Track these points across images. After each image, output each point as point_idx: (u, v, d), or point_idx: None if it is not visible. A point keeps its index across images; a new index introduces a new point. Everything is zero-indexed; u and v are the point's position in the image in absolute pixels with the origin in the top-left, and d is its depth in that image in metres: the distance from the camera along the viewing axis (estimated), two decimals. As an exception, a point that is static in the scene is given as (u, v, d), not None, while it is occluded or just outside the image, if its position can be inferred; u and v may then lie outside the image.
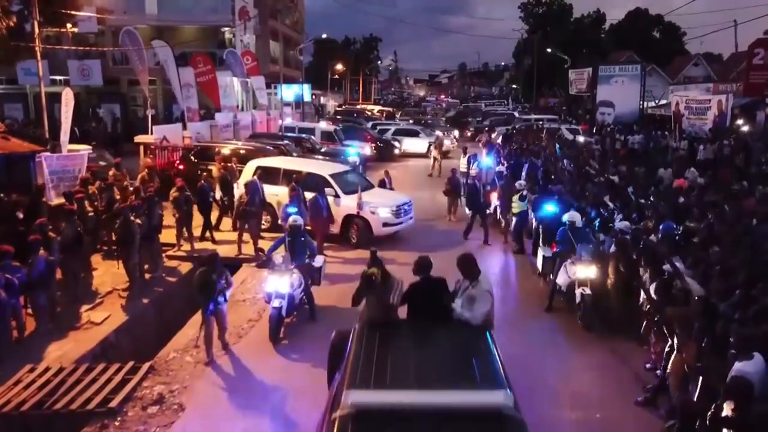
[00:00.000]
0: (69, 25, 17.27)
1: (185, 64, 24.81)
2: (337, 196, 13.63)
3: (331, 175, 14.09)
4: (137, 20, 34.02)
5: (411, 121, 40.28)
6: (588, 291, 9.16)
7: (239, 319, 9.85)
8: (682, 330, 6.09)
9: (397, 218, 13.85)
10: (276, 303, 8.86)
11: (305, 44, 45.55)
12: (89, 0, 20.51)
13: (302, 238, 9.73)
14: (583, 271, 9.22)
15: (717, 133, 21.07)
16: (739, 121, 22.68)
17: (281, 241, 9.78)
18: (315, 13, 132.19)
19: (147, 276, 11.53)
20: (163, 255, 12.44)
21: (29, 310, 9.28)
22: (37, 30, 13.69)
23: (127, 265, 10.84)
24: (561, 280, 9.64)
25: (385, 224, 13.64)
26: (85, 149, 14.50)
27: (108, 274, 11.57)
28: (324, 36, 54.04)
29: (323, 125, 27.77)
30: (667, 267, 7.70)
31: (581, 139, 24.86)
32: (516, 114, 45.38)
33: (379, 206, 13.66)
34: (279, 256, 9.29)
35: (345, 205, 13.60)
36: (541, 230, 11.40)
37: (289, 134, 25.31)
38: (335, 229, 13.45)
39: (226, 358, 8.51)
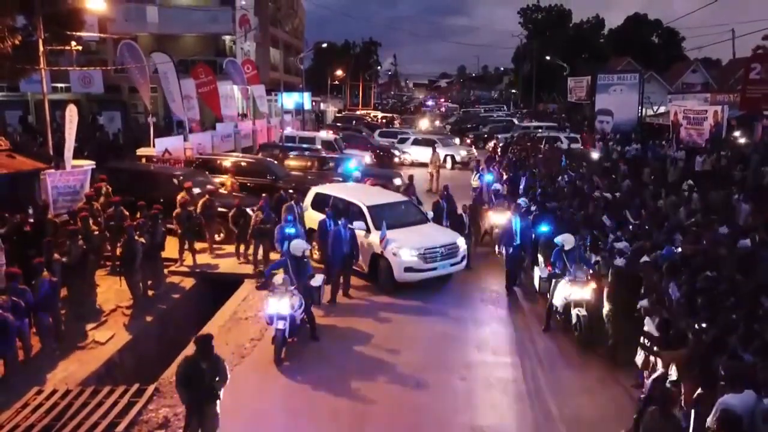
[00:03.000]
0: (73, 43, 17.38)
1: (186, 71, 25.01)
2: (367, 230, 12.22)
3: (370, 207, 12.58)
4: (138, 28, 34.29)
5: (412, 128, 40.39)
6: (583, 312, 9.29)
7: (242, 338, 10.00)
8: (680, 369, 6.16)
9: (428, 263, 11.78)
10: (280, 325, 8.96)
11: (305, 53, 45.70)
12: (91, 9, 20.55)
13: (304, 260, 9.82)
14: (577, 292, 9.33)
15: (714, 144, 21.21)
16: (736, 133, 22.84)
17: (281, 264, 9.77)
18: (315, 17, 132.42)
19: (150, 293, 11.68)
20: (166, 271, 12.59)
21: (34, 330, 9.42)
22: (41, 48, 13.86)
23: (130, 282, 11.00)
24: (557, 300, 9.74)
25: (408, 269, 11.69)
26: (88, 164, 14.60)
27: (111, 291, 11.69)
28: (324, 45, 54.40)
29: (323, 134, 27.97)
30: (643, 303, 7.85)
31: (595, 155, 24.06)
32: (515, 120, 45.39)
33: (403, 246, 11.67)
34: (279, 277, 9.30)
35: (372, 241, 12.05)
36: (538, 249, 11.48)
37: (289, 144, 25.53)
38: (364, 266, 12.34)
39: (230, 380, 8.63)
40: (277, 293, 9.05)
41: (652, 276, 8.25)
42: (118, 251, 11.52)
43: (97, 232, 11.76)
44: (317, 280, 10.21)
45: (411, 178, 17.59)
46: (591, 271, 9.55)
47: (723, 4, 19.15)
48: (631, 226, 11.13)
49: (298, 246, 9.86)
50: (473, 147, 32.92)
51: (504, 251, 12.43)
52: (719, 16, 29.10)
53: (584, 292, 9.30)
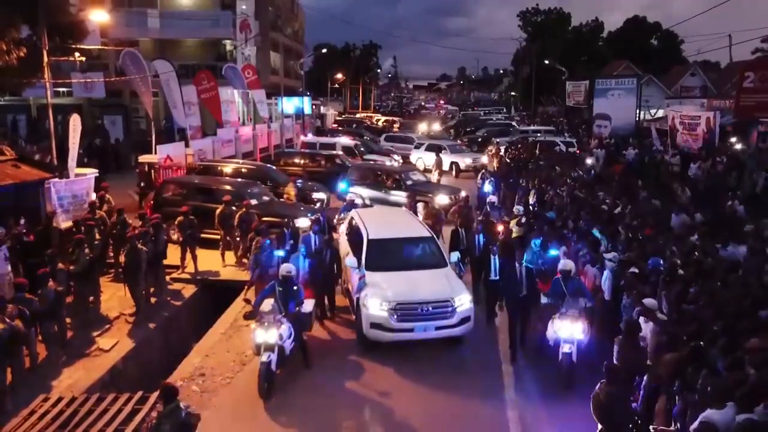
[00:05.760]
0: (77, 54, 17.70)
1: (187, 76, 25.29)
2: (358, 267, 10.35)
3: (371, 240, 10.64)
4: (140, 34, 34.61)
5: (414, 132, 40.43)
6: (570, 350, 8.47)
7: (243, 345, 10.14)
8: (669, 376, 6.31)
9: (401, 322, 9.40)
10: (264, 357, 8.34)
11: (305, 58, 46.01)
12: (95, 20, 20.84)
13: (294, 287, 9.15)
14: (566, 328, 8.52)
15: (708, 150, 21.39)
16: (732, 139, 23.02)
17: (270, 291, 9.11)
18: (315, 19, 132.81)
19: (152, 300, 11.91)
20: (167, 278, 12.82)
21: (39, 338, 9.64)
22: (46, 59, 14.14)
23: (134, 291, 11.22)
24: (549, 333, 8.89)
25: (375, 326, 9.48)
26: (91, 173, 14.85)
27: (115, 298, 11.93)
28: (324, 51, 54.96)
29: (344, 140, 28.22)
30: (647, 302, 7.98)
31: (590, 161, 23.79)
32: (514, 124, 45.30)
33: (374, 296, 9.58)
34: (267, 303, 8.80)
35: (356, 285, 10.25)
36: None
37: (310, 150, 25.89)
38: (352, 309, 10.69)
39: (226, 393, 8.75)
40: (265, 322, 8.51)
41: (637, 286, 8.42)
42: (121, 258, 11.75)
43: (98, 240, 11.97)
44: (309, 305, 9.70)
45: (467, 200, 15.33)
46: (588, 305, 8.77)
47: (722, 8, 19.30)
48: (622, 237, 11.11)
49: (284, 267, 9.31)
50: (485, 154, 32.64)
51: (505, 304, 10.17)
52: (718, 20, 29.24)
53: (574, 328, 8.50)
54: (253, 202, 14.64)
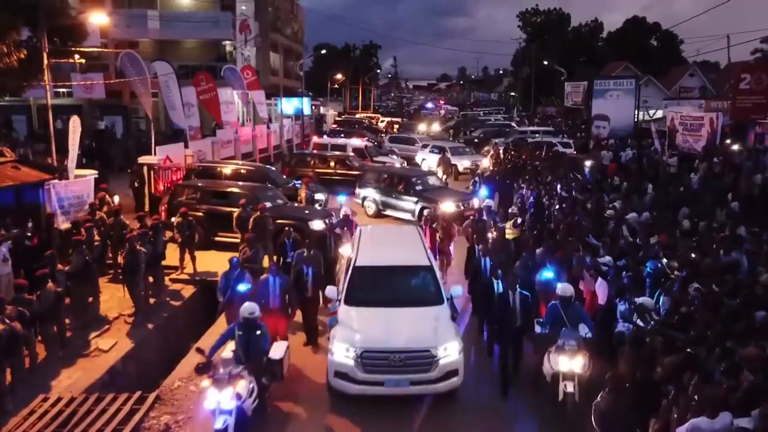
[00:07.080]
0: (77, 56, 17.80)
1: (186, 77, 25.36)
2: (337, 300, 9.05)
3: (358, 268, 9.26)
4: (140, 34, 34.70)
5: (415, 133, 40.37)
6: (571, 388, 7.39)
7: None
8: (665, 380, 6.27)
9: (369, 373, 7.83)
10: (219, 423, 6.71)
11: (305, 59, 46.11)
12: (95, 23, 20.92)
13: (257, 332, 7.61)
14: (565, 363, 7.45)
15: (708, 151, 21.47)
16: (728, 140, 23.07)
17: (228, 336, 7.77)
18: (314, 19, 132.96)
19: (151, 300, 11.99)
20: (166, 279, 12.90)
21: (39, 338, 9.72)
22: (46, 61, 14.24)
23: (133, 292, 11.31)
24: (545, 369, 7.90)
25: (339, 375, 7.98)
26: (91, 174, 14.94)
27: (114, 299, 12.01)
28: (323, 52, 55.12)
29: (354, 141, 28.28)
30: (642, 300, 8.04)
31: (589, 163, 23.10)
32: (513, 124, 45.23)
33: (338, 339, 8.13)
34: (227, 350, 7.59)
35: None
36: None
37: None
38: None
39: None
40: (220, 380, 6.85)
41: (633, 290, 8.47)
42: (120, 259, 11.82)
43: (98, 241, 12.07)
44: (279, 350, 8.17)
45: (480, 211, 14.01)
46: (588, 335, 7.68)
47: (721, 9, 19.40)
48: (623, 241, 10.90)
49: (246, 308, 7.67)
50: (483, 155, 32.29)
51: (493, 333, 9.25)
52: (718, 20, 29.32)
53: (573, 363, 7.45)
54: (267, 204, 14.58)
